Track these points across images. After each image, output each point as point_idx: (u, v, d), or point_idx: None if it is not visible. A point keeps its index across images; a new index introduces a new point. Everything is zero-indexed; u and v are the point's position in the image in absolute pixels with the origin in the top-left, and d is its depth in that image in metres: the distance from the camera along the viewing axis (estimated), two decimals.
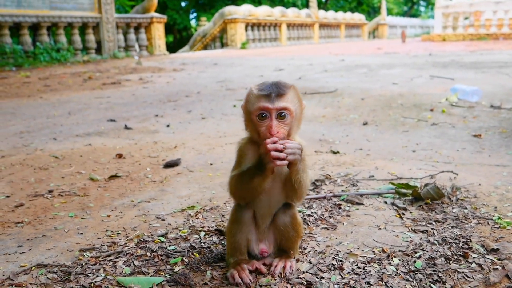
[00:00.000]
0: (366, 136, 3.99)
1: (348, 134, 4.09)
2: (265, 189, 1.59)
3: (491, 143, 3.59)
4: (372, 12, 48.26)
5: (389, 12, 47.61)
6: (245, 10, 22.89)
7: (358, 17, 34.22)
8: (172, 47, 32.69)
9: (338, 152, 3.45)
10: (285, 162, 1.45)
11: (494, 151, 3.36)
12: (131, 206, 2.49)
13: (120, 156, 3.52)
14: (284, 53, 17.59)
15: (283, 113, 1.52)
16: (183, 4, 36.08)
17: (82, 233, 2.16)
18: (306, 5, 33.69)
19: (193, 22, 38.95)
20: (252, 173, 1.54)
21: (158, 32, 19.45)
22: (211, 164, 3.26)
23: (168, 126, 4.68)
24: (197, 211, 2.36)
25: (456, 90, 5.79)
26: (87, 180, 3.00)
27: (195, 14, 38.77)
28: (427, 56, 13.27)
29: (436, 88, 6.71)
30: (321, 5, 38.89)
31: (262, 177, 1.53)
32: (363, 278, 1.60)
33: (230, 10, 22.44)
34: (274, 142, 1.45)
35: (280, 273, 1.64)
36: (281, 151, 1.45)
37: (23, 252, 1.98)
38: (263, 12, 24.11)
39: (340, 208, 2.32)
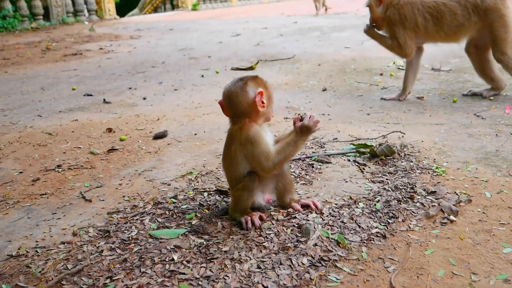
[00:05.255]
0: (326, 102, 4.52)
1: (310, 101, 4.61)
2: None
3: (431, 104, 4.21)
4: None
5: None
6: None
7: None
8: (119, 9, 31.76)
9: None
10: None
11: (434, 111, 3.97)
12: (137, 175, 2.93)
13: (110, 130, 3.90)
14: (237, 14, 17.74)
15: None
16: None
17: (103, 200, 2.60)
18: None
19: None
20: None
21: None
22: (195, 134, 3.71)
23: (144, 98, 5.04)
24: (196, 176, 2.83)
25: None
26: (88, 154, 3.38)
27: None
28: None
29: (384, 52, 7.27)
30: None
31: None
32: (339, 219, 2.15)
33: None
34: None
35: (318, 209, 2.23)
36: None
37: (59, 218, 2.40)
38: None
39: (313, 167, 2.85)
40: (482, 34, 4.08)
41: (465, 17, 3.99)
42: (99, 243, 2.10)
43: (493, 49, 4.07)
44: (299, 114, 2.17)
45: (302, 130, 2.11)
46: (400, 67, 5.89)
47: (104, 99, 5.02)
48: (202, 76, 6.14)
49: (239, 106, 2.07)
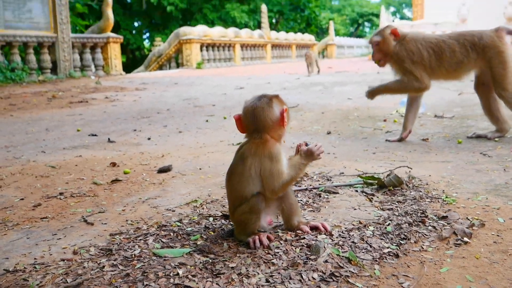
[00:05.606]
0: (331, 143, 4.52)
1: (315, 142, 4.60)
2: None
3: (436, 145, 4.21)
4: (320, 32, 50.04)
5: (337, 33, 49.51)
6: (200, 31, 23.42)
7: (308, 37, 35.49)
8: (126, 67, 32.74)
9: None
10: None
11: (440, 151, 3.97)
12: (141, 202, 2.87)
13: (114, 164, 3.87)
14: (240, 73, 18.16)
15: None
16: (136, 24, 36.26)
17: (105, 223, 2.53)
18: (258, 26, 34.65)
19: (146, 42, 39.10)
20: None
21: (115, 52, 19.59)
22: (200, 169, 3.68)
23: (149, 139, 5.05)
24: (201, 203, 2.77)
25: (404, 103, 6.47)
26: (91, 184, 3.34)
27: (148, 34, 38.99)
28: (375, 74, 14.17)
29: (387, 102, 7.38)
30: (272, 26, 40.08)
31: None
32: (349, 239, 2.08)
33: (185, 31, 22.89)
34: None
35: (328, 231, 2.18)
36: None
37: (60, 238, 2.33)
38: (218, 32, 24.72)
39: (320, 196, 2.80)
40: (484, 71, 4.15)
41: (463, 55, 4.07)
42: (101, 260, 2.03)
43: (494, 86, 4.13)
44: (304, 141, 2.20)
45: (307, 154, 2.13)
46: (403, 115, 5.93)
47: (108, 139, 5.04)
48: (207, 121, 6.19)
49: (263, 122, 2.06)
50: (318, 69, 15.50)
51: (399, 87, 4.37)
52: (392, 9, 74.02)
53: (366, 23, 69.14)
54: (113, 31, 20.08)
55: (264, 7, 29.64)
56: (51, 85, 13.76)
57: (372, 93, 4.47)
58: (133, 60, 36.70)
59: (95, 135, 5.36)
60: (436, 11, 28.16)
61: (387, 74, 13.41)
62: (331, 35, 39.25)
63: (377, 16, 53.48)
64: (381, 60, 4.35)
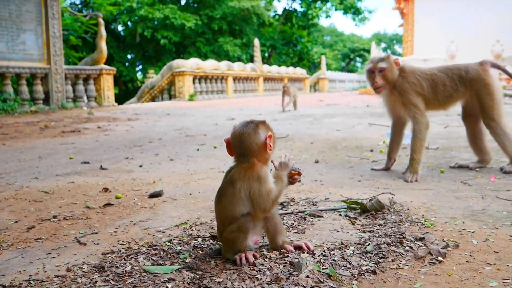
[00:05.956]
0: (319, 171, 4.66)
1: (303, 170, 4.74)
2: None
3: (420, 174, 4.35)
4: (312, 67, 50.97)
5: (328, 67, 50.44)
6: (193, 64, 23.81)
7: (300, 71, 36.11)
8: (119, 98, 33.02)
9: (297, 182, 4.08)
10: None
11: (423, 179, 4.11)
12: (132, 224, 2.97)
13: (106, 189, 3.97)
14: (232, 104, 18.43)
15: None
16: (129, 56, 36.74)
17: (98, 243, 2.62)
18: (251, 59, 35.27)
19: (139, 74, 39.53)
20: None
21: (107, 83, 19.82)
22: (190, 194, 3.79)
23: (141, 166, 5.16)
24: (190, 225, 2.88)
25: (390, 134, 6.66)
26: (84, 208, 3.43)
27: (141, 67, 39.48)
28: (365, 107, 14.49)
29: (374, 134, 7.61)
30: (265, 60, 40.80)
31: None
32: (330, 257, 2.20)
33: (178, 63, 23.27)
34: None
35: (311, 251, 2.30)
36: None
37: (53, 257, 2.42)
38: (210, 65, 25.14)
39: (305, 219, 2.92)
40: (471, 102, 4.33)
41: (453, 88, 4.24)
42: (93, 276, 2.12)
43: (482, 116, 4.28)
44: (271, 160, 2.34)
45: (281, 165, 2.31)
46: None
47: (101, 166, 5.14)
48: (198, 149, 6.32)
49: (249, 147, 2.19)
50: (295, 107, 14.03)
51: (420, 137, 4.31)
52: (383, 45, 75.75)
53: (357, 58, 70.57)
54: (106, 63, 20.37)
55: (256, 41, 30.24)
56: (44, 115, 13.88)
57: (415, 171, 4.21)
58: (125, 91, 37.03)
59: (88, 162, 5.46)
60: (426, 47, 28.85)
61: (376, 108, 13.68)
62: (323, 70, 39.94)
63: (368, 51, 54.68)
64: (382, 86, 4.29)
